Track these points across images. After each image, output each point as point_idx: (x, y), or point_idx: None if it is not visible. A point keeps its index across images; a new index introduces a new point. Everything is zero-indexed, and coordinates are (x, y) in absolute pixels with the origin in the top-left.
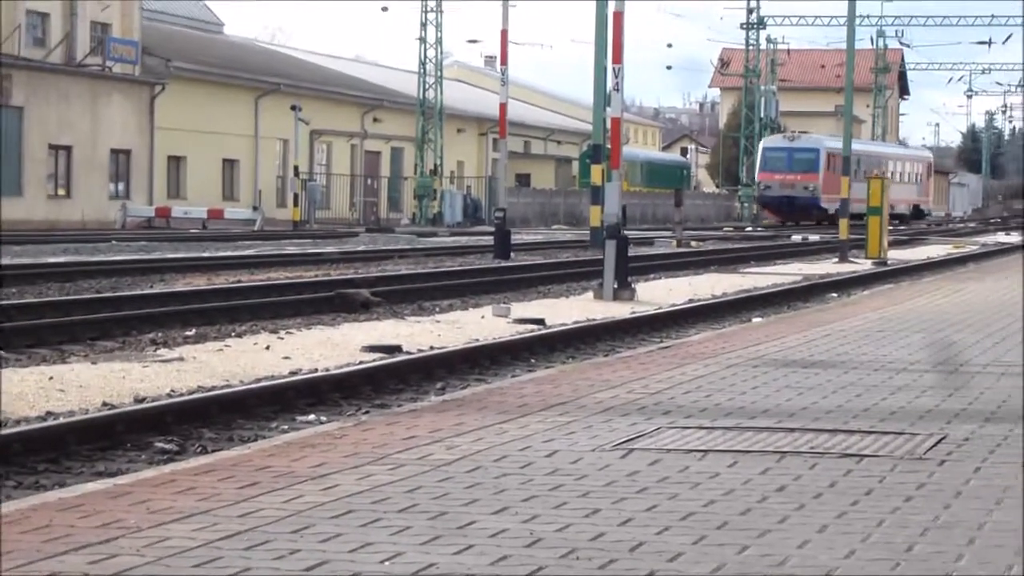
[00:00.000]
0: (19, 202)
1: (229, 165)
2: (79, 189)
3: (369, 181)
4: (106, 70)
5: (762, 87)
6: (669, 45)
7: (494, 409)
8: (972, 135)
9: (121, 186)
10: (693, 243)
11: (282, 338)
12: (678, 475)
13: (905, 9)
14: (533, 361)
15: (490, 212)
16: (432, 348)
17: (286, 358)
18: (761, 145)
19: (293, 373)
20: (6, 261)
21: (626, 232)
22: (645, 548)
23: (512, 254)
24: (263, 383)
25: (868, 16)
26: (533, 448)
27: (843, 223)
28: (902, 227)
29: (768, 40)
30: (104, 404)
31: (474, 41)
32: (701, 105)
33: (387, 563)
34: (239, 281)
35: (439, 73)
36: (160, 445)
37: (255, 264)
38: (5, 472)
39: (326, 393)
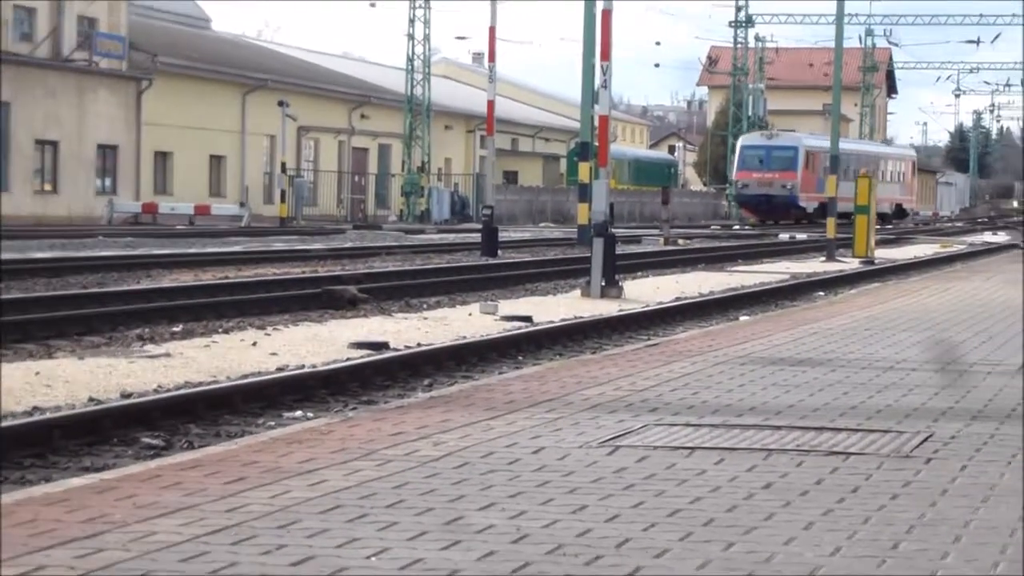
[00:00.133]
0: (5, 197)
1: (216, 161)
2: (66, 184)
3: (356, 178)
4: (93, 65)
5: (750, 85)
6: (657, 43)
7: (481, 406)
8: (960, 134)
9: (108, 182)
10: (680, 241)
11: (269, 334)
12: (665, 472)
13: (893, 8)
14: (520, 358)
15: (478, 209)
16: (419, 345)
17: (273, 354)
18: (739, 143)
19: (280, 369)
20: None
21: (613, 230)
22: (631, 544)
23: (499, 251)
24: (250, 379)
25: (856, 15)
26: (520, 445)
27: (830, 222)
28: (888, 227)
29: (756, 38)
30: (91, 399)
31: (462, 38)
32: (689, 103)
33: (374, 558)
34: (226, 277)
35: (427, 70)
36: (147, 440)
37: (242, 260)
38: None
39: (313, 389)
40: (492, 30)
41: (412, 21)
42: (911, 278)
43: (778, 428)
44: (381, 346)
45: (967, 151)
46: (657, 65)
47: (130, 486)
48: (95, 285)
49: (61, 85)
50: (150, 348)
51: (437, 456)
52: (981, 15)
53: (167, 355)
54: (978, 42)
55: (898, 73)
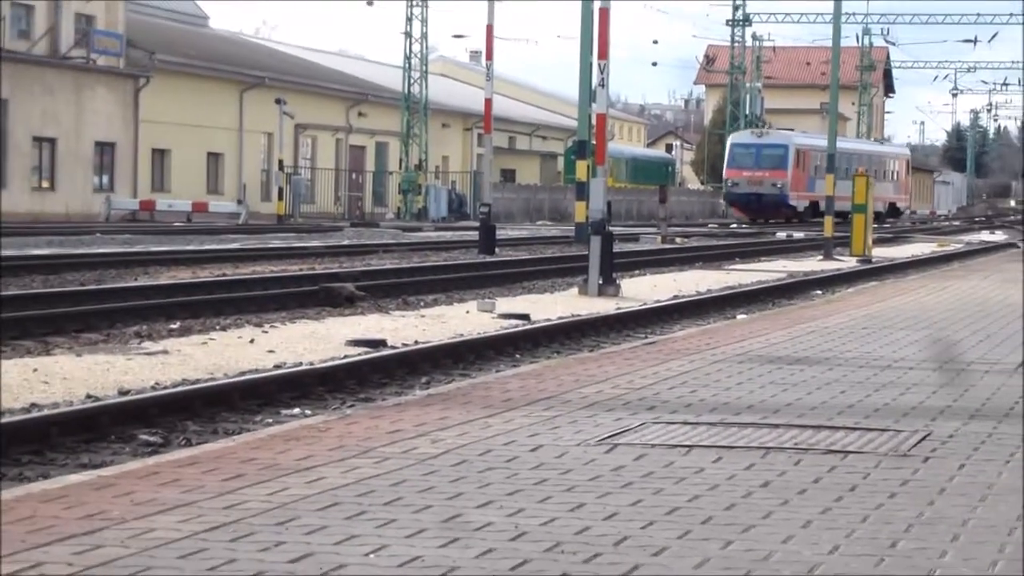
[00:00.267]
0: (3, 194)
1: (214, 158)
2: (63, 182)
3: (354, 175)
4: (90, 63)
5: (747, 84)
6: (655, 41)
7: (479, 404)
8: (957, 133)
9: (105, 179)
10: (678, 239)
11: (266, 332)
12: (663, 470)
13: (891, 7)
14: (518, 356)
15: (475, 207)
16: (417, 343)
17: (270, 352)
18: (729, 141)
19: (277, 367)
20: None
21: (611, 228)
22: (630, 542)
23: (497, 249)
24: (247, 376)
25: (854, 14)
26: (518, 442)
27: (828, 220)
28: (882, 225)
29: (754, 37)
30: (88, 396)
31: (460, 36)
32: (686, 102)
33: (372, 556)
34: (223, 274)
35: (424, 68)
36: (144, 437)
37: (239, 258)
38: None
39: (311, 387)
40: (490, 28)
41: (410, 19)
42: (909, 277)
43: (776, 426)
44: (378, 344)
45: (964, 150)
46: (655, 64)
47: (128, 483)
48: (93, 282)
49: (59, 82)
50: (148, 345)
51: (435, 454)
52: (978, 14)
53: (165, 352)
54: (975, 41)
55: (895, 72)
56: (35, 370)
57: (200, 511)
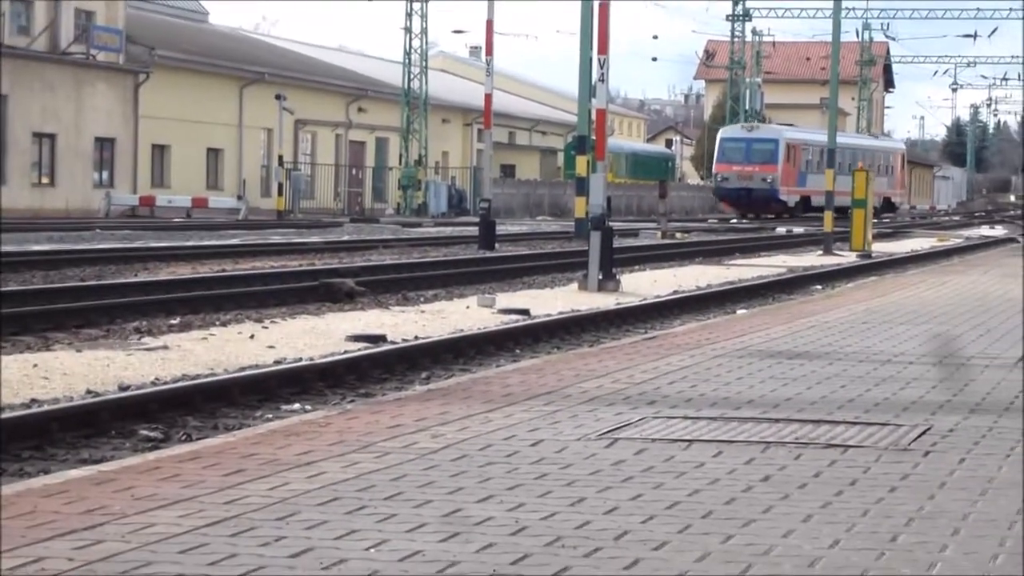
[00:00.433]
0: (3, 190)
1: (213, 154)
2: (63, 177)
3: (354, 171)
4: (90, 58)
5: (747, 79)
6: (655, 37)
7: (479, 398)
8: (957, 128)
9: (105, 174)
10: (678, 235)
11: (267, 327)
12: (663, 464)
13: (891, 2)
14: (518, 351)
15: (475, 203)
16: (417, 338)
17: (271, 347)
18: (719, 135)
19: (278, 362)
20: None
21: (611, 223)
22: (630, 537)
23: (497, 245)
24: (247, 372)
25: (854, 9)
26: (518, 437)
27: (828, 216)
28: (879, 220)
29: (753, 32)
30: (88, 392)
31: (459, 31)
32: (686, 97)
33: (373, 550)
34: (223, 270)
35: (424, 63)
36: (145, 433)
37: (239, 253)
38: None
39: (311, 382)
40: (489, 24)
41: (409, 15)
42: (908, 272)
43: (776, 421)
44: (379, 339)
45: (964, 145)
46: (654, 59)
47: (128, 478)
48: (93, 278)
49: (58, 78)
50: (148, 341)
51: (435, 448)
52: (978, 9)
53: (165, 348)
54: (975, 36)
55: (895, 67)
56: (35, 366)
57: (201, 506)
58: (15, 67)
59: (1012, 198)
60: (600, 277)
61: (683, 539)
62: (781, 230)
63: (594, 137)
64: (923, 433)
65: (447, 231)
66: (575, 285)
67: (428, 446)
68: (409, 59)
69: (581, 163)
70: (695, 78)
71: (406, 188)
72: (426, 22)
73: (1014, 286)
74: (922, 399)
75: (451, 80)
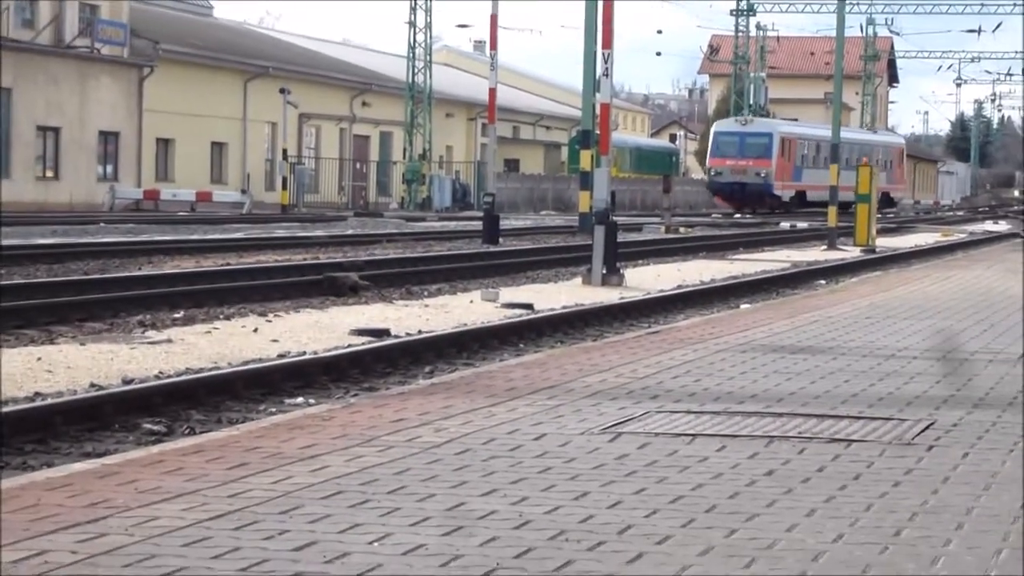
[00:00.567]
0: (7, 184)
1: (217, 148)
2: (67, 171)
3: (358, 165)
4: (94, 52)
5: (751, 74)
6: (659, 31)
7: (483, 393)
8: (961, 123)
9: (109, 168)
10: (682, 229)
11: (270, 321)
12: (667, 459)
13: None
14: (521, 345)
15: (479, 197)
16: (420, 332)
17: (274, 341)
18: (712, 129)
19: (281, 356)
20: None
21: (615, 218)
22: (634, 531)
23: (501, 239)
24: (251, 365)
25: (858, 3)
26: (522, 431)
27: (832, 211)
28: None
29: (758, 27)
30: (92, 385)
31: (464, 26)
32: (690, 92)
33: (376, 544)
34: (227, 264)
35: (428, 58)
36: (148, 426)
37: (243, 247)
38: None
39: (314, 376)
40: (494, 18)
41: (414, 9)
42: (912, 266)
43: (780, 415)
44: (382, 333)
45: (968, 140)
46: (659, 54)
47: (132, 471)
48: (96, 271)
49: (63, 72)
50: (151, 334)
51: (439, 442)
52: (982, 4)
53: (168, 341)
54: (979, 31)
55: (899, 62)
56: (39, 359)
57: (204, 499)
58: (19, 61)
59: (1016, 193)
60: (604, 272)
61: (686, 533)
62: (785, 225)
63: (598, 132)
64: (927, 428)
65: (451, 225)
66: (579, 280)
67: (431, 440)
68: (413, 53)
69: (585, 157)
70: (699, 73)
71: (410, 182)
72: (430, 16)
73: (1017, 282)
74: (926, 394)
75: (455, 74)
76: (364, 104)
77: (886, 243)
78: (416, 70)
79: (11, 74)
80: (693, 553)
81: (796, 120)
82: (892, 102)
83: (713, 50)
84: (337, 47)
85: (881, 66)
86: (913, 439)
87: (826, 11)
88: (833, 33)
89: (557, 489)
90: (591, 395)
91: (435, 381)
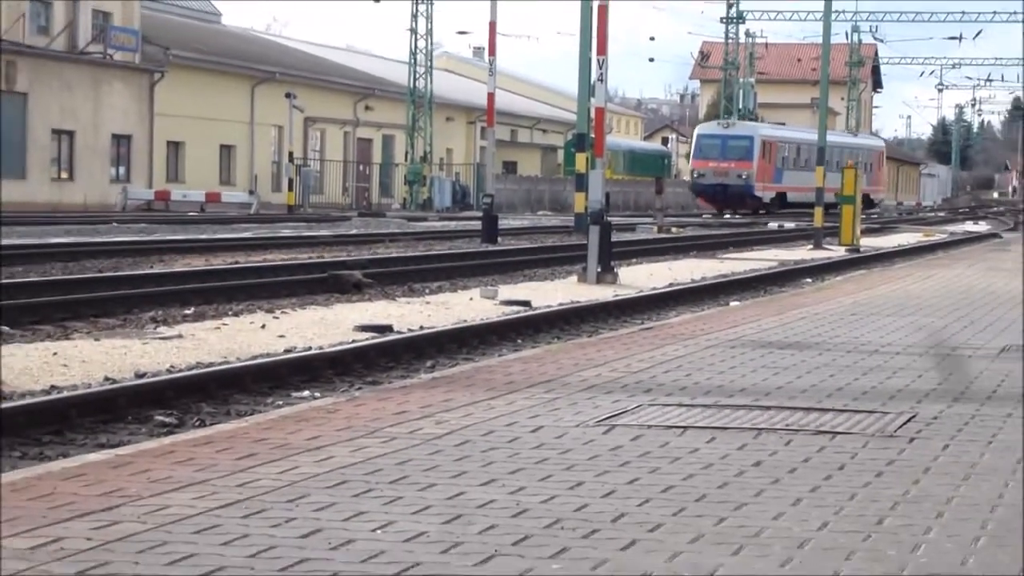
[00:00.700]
0: (23, 185)
1: (226, 150)
2: (81, 173)
3: (361, 167)
4: (107, 58)
5: (740, 79)
6: (652, 38)
7: (482, 386)
8: (942, 128)
9: (122, 170)
10: (673, 229)
11: (277, 317)
12: (659, 450)
13: (879, 5)
14: (519, 341)
15: (478, 198)
16: (422, 328)
17: (281, 336)
18: (695, 132)
19: (288, 351)
20: (11, 242)
21: (609, 218)
22: (627, 519)
23: (499, 239)
24: (259, 360)
25: (843, 12)
26: (519, 423)
27: (818, 211)
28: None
29: (747, 34)
30: (106, 379)
31: (463, 32)
32: (682, 96)
33: (379, 531)
34: (236, 262)
35: (429, 63)
36: (160, 418)
37: (251, 246)
38: (11, 443)
39: (320, 370)
40: (492, 25)
41: (415, 16)
42: (895, 265)
43: (767, 408)
44: (385, 329)
45: (949, 144)
46: (651, 60)
47: (144, 461)
48: (110, 269)
49: (77, 77)
50: (163, 330)
51: (439, 434)
52: (963, 12)
53: (179, 337)
54: (960, 39)
55: (883, 68)
56: (55, 354)
57: (214, 488)
58: (35, 66)
59: (995, 195)
60: (599, 270)
61: (677, 521)
62: (773, 225)
63: (593, 135)
64: (908, 420)
65: (451, 225)
66: (574, 278)
67: (432, 432)
68: (415, 59)
69: (580, 160)
70: (690, 78)
71: (412, 184)
72: (431, 23)
73: (997, 279)
74: (908, 388)
75: (455, 80)
76: (367, 108)
77: (870, 243)
78: (417, 75)
79: (27, 79)
80: (684, 540)
81: (784, 124)
82: (876, 107)
83: (704, 56)
84: (341, 53)
85: (865, 72)
86: (895, 431)
87: (812, 19)
88: (819, 40)
89: (553, 479)
90: (586, 389)
91: (436, 375)
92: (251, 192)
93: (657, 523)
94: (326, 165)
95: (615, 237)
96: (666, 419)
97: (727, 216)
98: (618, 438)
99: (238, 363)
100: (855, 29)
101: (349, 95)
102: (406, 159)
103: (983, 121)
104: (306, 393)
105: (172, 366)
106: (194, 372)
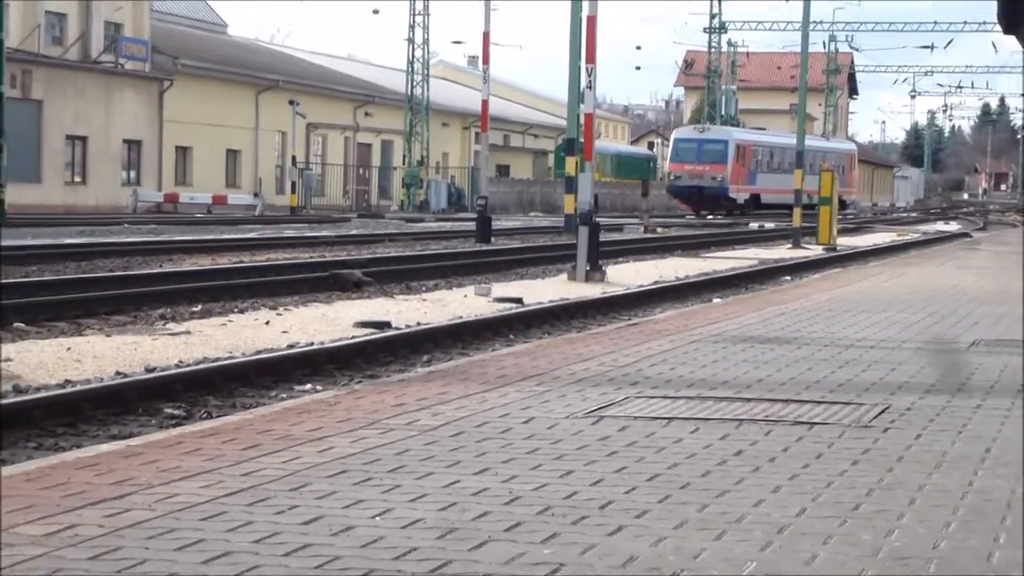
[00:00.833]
0: (39, 188)
1: (232, 155)
2: (94, 176)
3: (361, 171)
4: (119, 67)
5: (723, 86)
6: (638, 47)
7: (476, 380)
8: (915, 132)
9: (132, 174)
10: (659, 230)
11: (280, 314)
12: (645, 440)
13: (855, 15)
14: (512, 336)
15: (472, 200)
16: (419, 324)
17: (284, 332)
18: (672, 136)
19: (291, 346)
20: (27, 243)
21: (597, 219)
22: (614, 506)
23: (492, 239)
24: (263, 355)
25: (821, 22)
26: (512, 415)
27: (796, 212)
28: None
29: (729, 43)
30: (117, 373)
31: (458, 42)
32: (667, 103)
33: (378, 518)
34: (241, 262)
35: (426, 71)
36: (169, 411)
37: (256, 246)
38: (27, 435)
39: (321, 364)
40: (486, 35)
41: (412, 27)
42: (870, 264)
43: (748, 400)
44: (384, 325)
45: (921, 148)
46: (638, 68)
47: (154, 452)
48: (121, 269)
49: (90, 85)
50: (172, 326)
51: (435, 425)
52: (935, 22)
53: (187, 333)
54: (932, 48)
55: (859, 76)
56: (68, 349)
57: (220, 478)
58: (50, 75)
59: (965, 196)
60: (587, 268)
61: (663, 508)
62: (754, 225)
63: (582, 139)
64: (882, 411)
65: (447, 226)
66: (564, 276)
67: (429, 423)
68: (412, 67)
69: (570, 163)
70: (675, 85)
71: (409, 186)
72: (427, 33)
73: (966, 277)
74: (882, 380)
75: (451, 87)
76: (367, 114)
77: (846, 242)
78: (414, 83)
79: (42, 87)
80: (669, 526)
81: (764, 129)
82: (852, 112)
83: (688, 64)
84: (342, 62)
85: (842, 79)
86: (870, 422)
87: (792, 29)
88: (798, 49)
89: (544, 468)
90: (576, 382)
91: (432, 369)
92: (256, 195)
93: (643, 510)
94: (327, 169)
95: (603, 237)
96: (652, 411)
97: (710, 217)
98: (606, 429)
99: (243, 358)
100: (832, 38)
101: (349, 102)
102: (404, 163)
103: (954, 126)
104: (308, 386)
105: (180, 361)
106: (201, 367)
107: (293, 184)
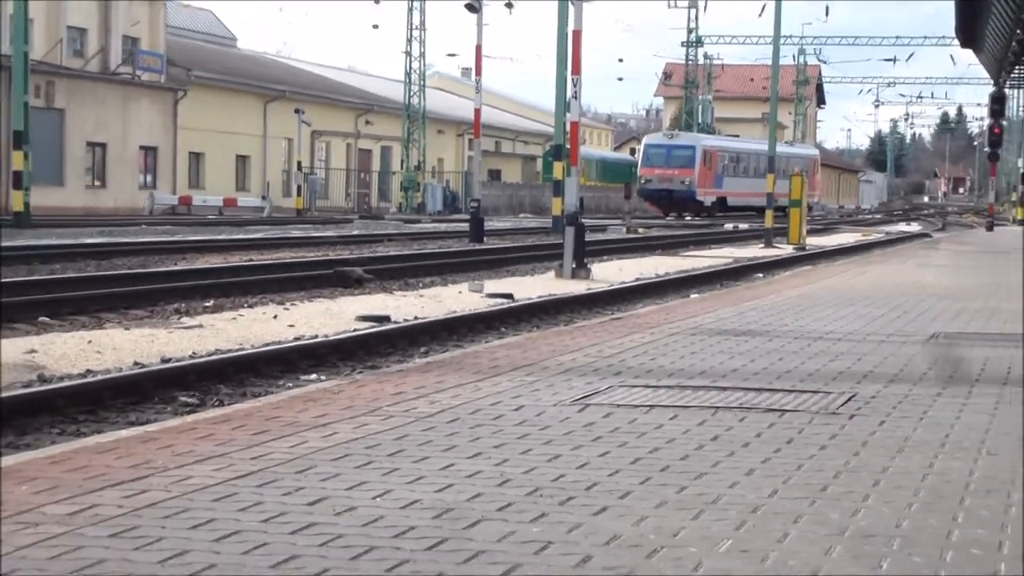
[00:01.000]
0: (61, 191)
1: (242, 160)
2: (113, 180)
3: (362, 175)
4: (136, 78)
5: (700, 96)
6: (620, 60)
7: (470, 370)
8: (879, 139)
9: (149, 178)
10: (640, 230)
11: (287, 309)
12: (627, 426)
13: (823, 30)
14: (503, 329)
15: (466, 202)
16: (416, 318)
17: (291, 326)
18: (643, 142)
19: (297, 339)
20: (50, 242)
21: (583, 220)
22: (599, 487)
23: (485, 239)
24: (271, 347)
25: (791, 36)
26: (503, 403)
27: (768, 214)
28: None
29: (705, 56)
30: (135, 363)
31: (453, 55)
32: (647, 111)
33: (378, 499)
34: (250, 260)
35: (422, 82)
36: (183, 399)
37: (264, 245)
38: (51, 421)
39: (325, 356)
40: (479, 48)
41: (410, 40)
42: (837, 262)
43: (724, 389)
44: (384, 319)
45: (885, 153)
46: (620, 79)
47: (169, 437)
48: (138, 267)
49: (109, 95)
50: (186, 320)
51: (432, 412)
52: (897, 37)
53: (200, 326)
54: (895, 60)
55: (826, 86)
56: (89, 342)
57: (231, 461)
58: (71, 85)
59: (926, 199)
60: (574, 266)
61: (644, 489)
62: (728, 226)
63: (568, 146)
64: (849, 400)
65: (442, 227)
66: (552, 273)
67: (426, 411)
68: (409, 78)
69: (557, 168)
70: (655, 95)
71: (407, 189)
72: (424, 47)
73: (927, 274)
74: (848, 370)
75: (445, 97)
76: (367, 122)
77: (815, 242)
78: (412, 93)
79: (64, 97)
80: (650, 506)
81: (738, 136)
82: (820, 121)
83: (667, 76)
84: (344, 73)
85: (811, 90)
86: (837, 409)
87: (764, 43)
88: (770, 61)
89: (534, 452)
90: (563, 372)
91: (429, 360)
92: (264, 197)
93: (626, 491)
94: (331, 173)
95: (588, 237)
96: (634, 399)
97: (688, 219)
98: (591, 416)
99: (252, 350)
100: (801, 52)
101: (351, 111)
102: (402, 167)
103: (915, 134)
104: (313, 376)
105: (194, 352)
106: (213, 358)
107: (299, 187)
